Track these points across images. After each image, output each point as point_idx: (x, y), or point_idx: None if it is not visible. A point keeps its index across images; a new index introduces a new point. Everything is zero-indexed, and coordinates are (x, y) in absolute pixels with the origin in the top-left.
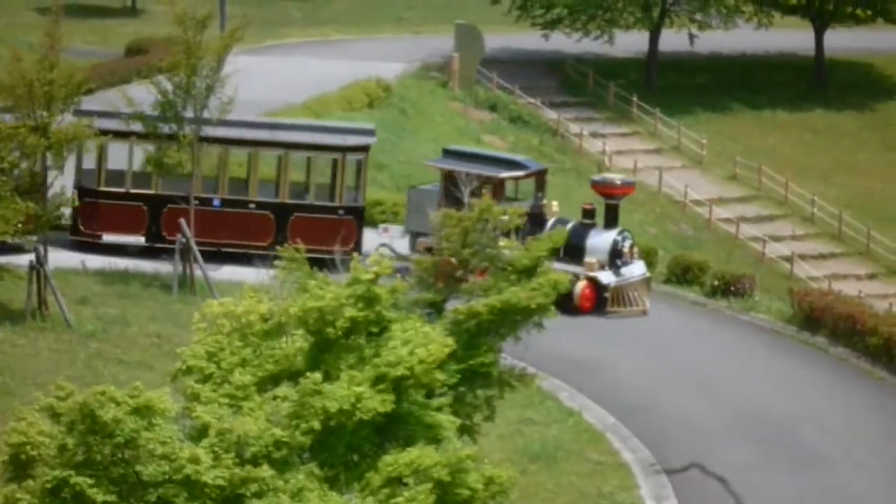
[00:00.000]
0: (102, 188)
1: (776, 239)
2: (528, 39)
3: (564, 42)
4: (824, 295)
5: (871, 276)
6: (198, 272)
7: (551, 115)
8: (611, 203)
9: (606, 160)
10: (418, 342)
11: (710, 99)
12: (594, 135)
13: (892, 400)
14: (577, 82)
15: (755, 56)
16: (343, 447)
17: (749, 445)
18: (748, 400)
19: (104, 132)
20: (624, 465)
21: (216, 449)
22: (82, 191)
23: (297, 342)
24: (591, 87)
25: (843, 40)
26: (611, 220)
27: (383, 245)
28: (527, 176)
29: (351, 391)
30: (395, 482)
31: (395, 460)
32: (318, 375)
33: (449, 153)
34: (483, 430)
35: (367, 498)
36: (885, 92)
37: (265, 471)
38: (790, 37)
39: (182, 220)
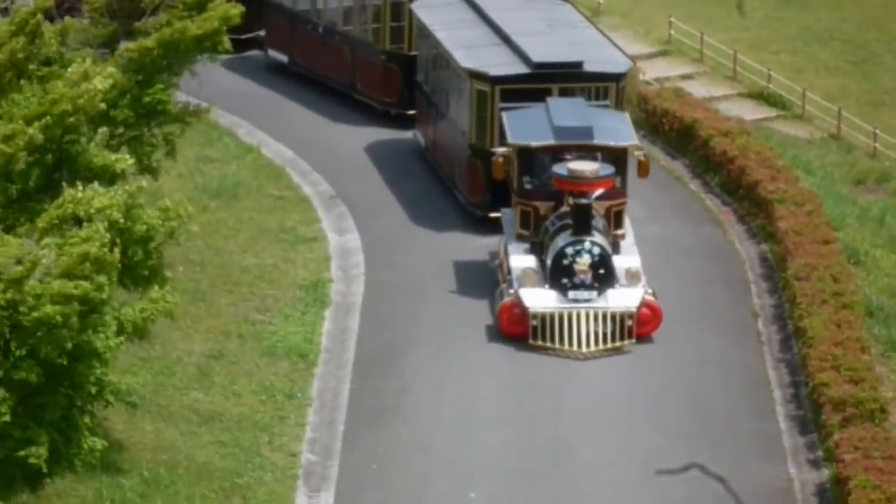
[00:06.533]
0: None
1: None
2: None
3: None
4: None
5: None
6: None
7: None
8: (580, 203)
9: None
10: (80, 79)
11: None
12: None
13: None
14: None
15: None
16: (15, 190)
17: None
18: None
19: None
20: (305, 199)
21: None
22: None
23: None
24: None
25: None
26: (580, 226)
27: None
28: None
29: (9, 127)
30: (71, 221)
31: (68, 199)
32: None
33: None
34: (163, 169)
35: (43, 237)
36: None
37: None
38: None
39: None
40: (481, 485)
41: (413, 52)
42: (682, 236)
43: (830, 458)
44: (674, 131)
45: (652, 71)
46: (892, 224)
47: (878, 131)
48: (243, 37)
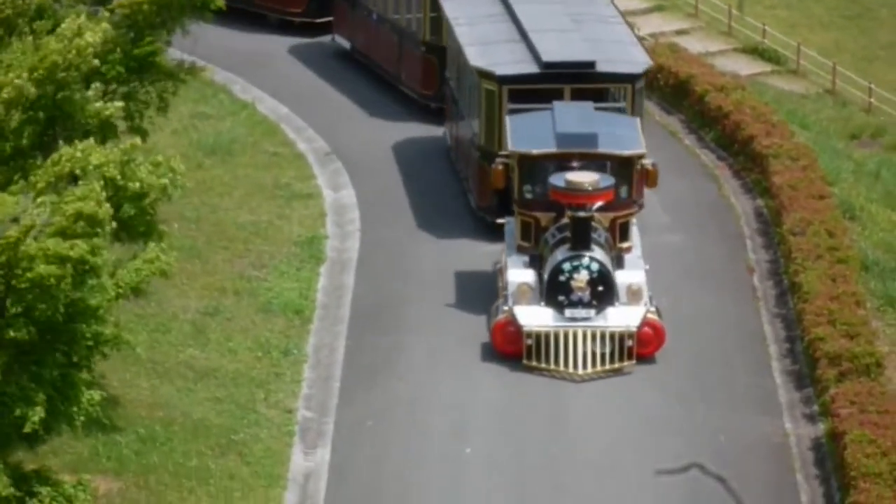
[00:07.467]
0: None
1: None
2: None
3: None
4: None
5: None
6: None
7: None
8: (578, 216)
9: None
10: (74, 34)
11: None
12: None
13: None
14: None
15: None
16: (10, 148)
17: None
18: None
19: None
20: (300, 155)
21: None
22: None
23: None
24: None
25: None
26: (578, 240)
27: None
28: None
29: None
30: (66, 179)
31: (62, 157)
32: None
33: None
34: (157, 126)
35: (39, 196)
36: None
37: None
38: None
39: None
40: (477, 441)
41: None
42: (678, 192)
43: (826, 413)
44: (669, 87)
45: (647, 26)
46: (888, 178)
47: (873, 86)
48: (318, 21)
